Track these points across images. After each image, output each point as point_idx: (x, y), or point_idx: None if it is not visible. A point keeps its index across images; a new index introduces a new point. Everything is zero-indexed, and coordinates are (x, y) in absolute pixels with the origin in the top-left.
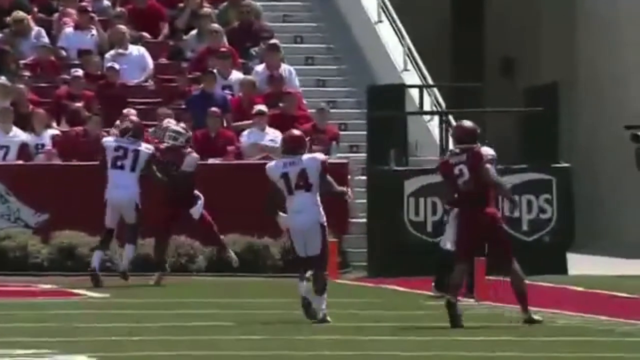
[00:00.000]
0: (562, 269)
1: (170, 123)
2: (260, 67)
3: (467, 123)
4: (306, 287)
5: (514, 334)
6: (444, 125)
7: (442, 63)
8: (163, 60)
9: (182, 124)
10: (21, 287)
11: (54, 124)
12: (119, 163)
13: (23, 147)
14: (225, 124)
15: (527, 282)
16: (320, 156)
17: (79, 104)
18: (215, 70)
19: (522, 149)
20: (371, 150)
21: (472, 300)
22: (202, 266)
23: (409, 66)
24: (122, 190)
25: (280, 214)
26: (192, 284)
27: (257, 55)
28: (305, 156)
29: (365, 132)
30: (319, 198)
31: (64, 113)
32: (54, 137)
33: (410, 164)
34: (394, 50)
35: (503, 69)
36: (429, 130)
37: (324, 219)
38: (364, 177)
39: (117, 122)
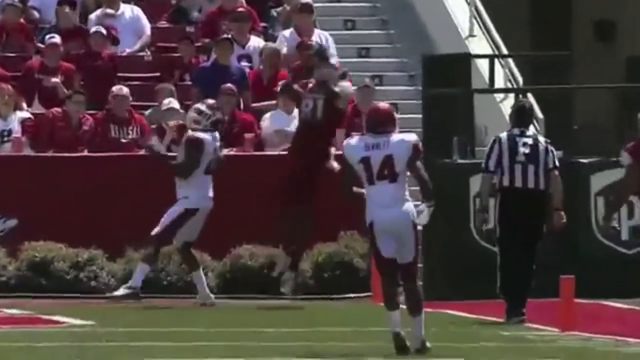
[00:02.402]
0: None
1: (175, 105)
2: (287, 32)
3: None
4: (398, 319)
5: None
6: None
7: (518, 27)
8: (163, 24)
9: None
10: None
11: (24, 105)
12: (210, 167)
13: None
14: (241, 105)
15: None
16: (411, 137)
17: (55, 79)
18: (230, 36)
19: (623, 135)
20: (428, 138)
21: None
22: (213, 286)
23: (476, 31)
24: (211, 201)
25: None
26: (200, 308)
27: (281, 18)
28: (394, 137)
29: (420, 115)
30: (407, 190)
31: (37, 90)
32: (24, 122)
33: (478, 156)
34: (457, 10)
35: (598, 34)
36: (501, 112)
37: (415, 216)
38: None
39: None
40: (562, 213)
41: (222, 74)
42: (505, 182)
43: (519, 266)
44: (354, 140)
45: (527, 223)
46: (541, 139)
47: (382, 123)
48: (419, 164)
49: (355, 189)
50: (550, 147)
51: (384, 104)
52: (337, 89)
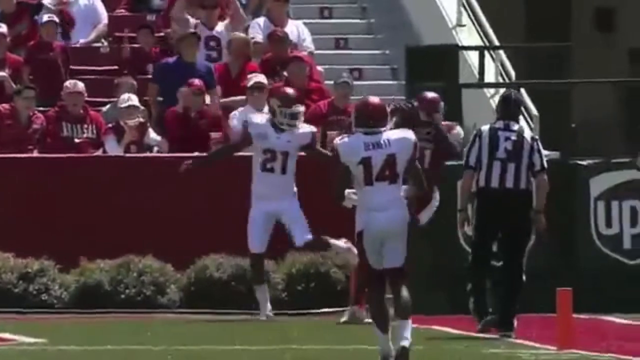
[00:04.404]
0: None
1: (135, 102)
2: (261, 21)
3: None
4: (389, 342)
5: None
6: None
7: (512, 16)
8: (121, 12)
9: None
10: None
11: None
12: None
13: None
14: (207, 102)
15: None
16: (411, 135)
17: (2, 73)
18: (197, 29)
19: (625, 133)
20: None
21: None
22: (176, 300)
23: (465, 20)
24: None
25: (349, 192)
26: (160, 324)
27: (250, 5)
28: (392, 135)
29: None
30: (402, 191)
31: None
32: None
33: None
34: None
35: (598, 23)
36: (491, 108)
37: (409, 218)
38: None
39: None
40: (542, 216)
41: (187, 71)
42: (482, 182)
43: (497, 280)
44: (350, 139)
45: (506, 229)
46: (527, 134)
47: (376, 119)
48: (417, 163)
49: (351, 195)
50: (538, 145)
51: (374, 98)
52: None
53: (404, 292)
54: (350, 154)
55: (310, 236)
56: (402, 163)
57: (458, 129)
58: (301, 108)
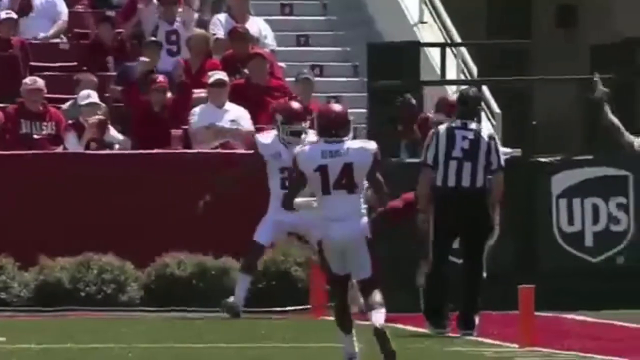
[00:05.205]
0: None
1: (95, 99)
2: (222, 17)
3: None
4: (352, 344)
5: None
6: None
7: (473, 13)
8: (81, 8)
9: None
10: None
11: None
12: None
13: None
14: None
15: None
16: (372, 145)
17: None
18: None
19: (586, 131)
20: (373, 134)
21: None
22: (136, 298)
23: (427, 17)
24: None
25: (302, 200)
26: (121, 322)
27: (210, 1)
28: (352, 144)
29: (364, 110)
30: (362, 201)
31: None
32: None
33: None
34: None
35: (560, 20)
36: None
37: (369, 230)
38: None
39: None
40: (496, 215)
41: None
42: (439, 182)
43: (449, 279)
44: (307, 147)
45: (464, 227)
46: (485, 133)
47: (337, 127)
48: (379, 175)
49: (302, 199)
50: (496, 144)
51: (337, 105)
52: None
53: (376, 295)
54: (308, 162)
55: None
56: (360, 173)
57: None
58: (305, 124)
